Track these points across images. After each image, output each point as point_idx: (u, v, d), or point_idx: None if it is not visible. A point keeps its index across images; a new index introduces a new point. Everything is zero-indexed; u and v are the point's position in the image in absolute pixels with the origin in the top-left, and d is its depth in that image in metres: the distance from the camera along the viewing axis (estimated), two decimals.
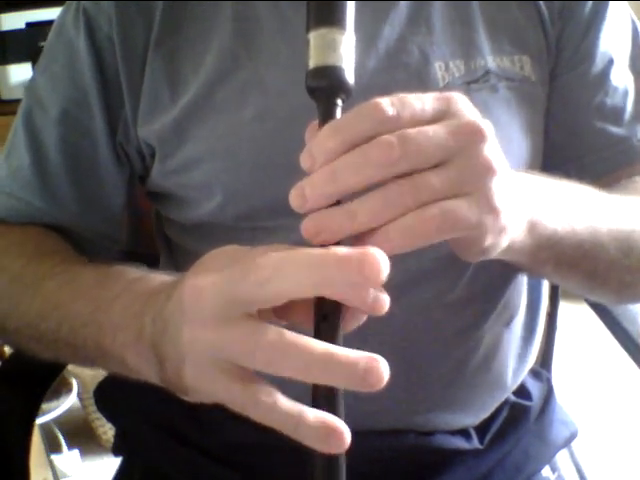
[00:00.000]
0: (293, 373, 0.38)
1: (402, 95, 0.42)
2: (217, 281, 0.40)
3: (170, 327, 0.43)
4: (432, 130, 0.41)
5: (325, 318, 0.40)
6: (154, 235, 0.81)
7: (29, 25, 1.57)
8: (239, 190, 0.64)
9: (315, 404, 0.39)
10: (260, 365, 0.39)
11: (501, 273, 0.71)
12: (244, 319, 0.39)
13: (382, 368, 0.38)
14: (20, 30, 1.57)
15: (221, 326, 0.40)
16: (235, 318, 0.39)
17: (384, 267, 0.38)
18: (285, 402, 0.39)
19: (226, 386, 0.40)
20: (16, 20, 1.57)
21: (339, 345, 0.39)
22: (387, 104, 0.41)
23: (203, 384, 0.42)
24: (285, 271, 0.38)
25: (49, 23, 0.71)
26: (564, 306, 1.01)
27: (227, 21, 0.64)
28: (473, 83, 0.65)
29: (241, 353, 0.39)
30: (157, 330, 0.45)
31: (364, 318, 0.41)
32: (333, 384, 0.38)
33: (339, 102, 0.44)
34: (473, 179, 0.42)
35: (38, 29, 1.53)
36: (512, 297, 0.73)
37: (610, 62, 0.70)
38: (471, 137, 0.42)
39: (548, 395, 0.82)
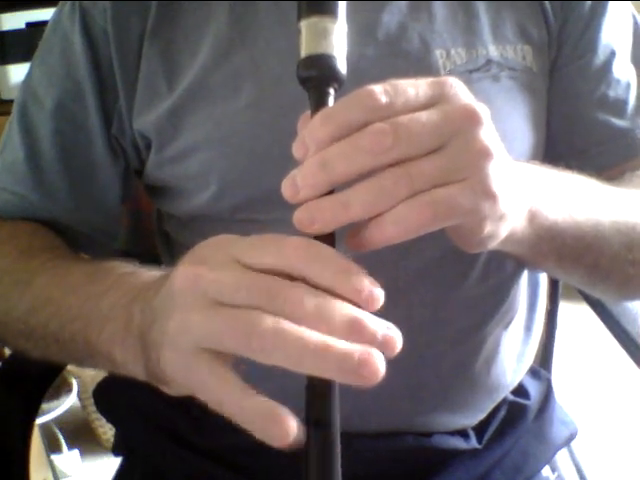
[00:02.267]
0: (285, 362, 0.37)
1: (395, 82, 0.41)
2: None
3: (159, 315, 0.43)
4: (425, 116, 0.40)
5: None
6: (154, 235, 0.81)
7: (29, 25, 1.57)
8: (234, 179, 0.64)
9: (309, 399, 0.38)
10: (254, 352, 0.38)
11: (511, 275, 0.71)
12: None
13: (377, 362, 0.36)
14: (20, 30, 1.57)
15: (213, 311, 0.39)
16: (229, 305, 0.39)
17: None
18: (236, 383, 0.38)
19: (196, 375, 0.40)
20: (16, 20, 1.57)
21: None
22: (379, 91, 0.40)
23: (178, 371, 0.41)
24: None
25: None
26: (564, 306, 1.01)
27: (224, 9, 0.64)
28: (475, 72, 0.64)
29: (235, 340, 0.38)
30: (145, 320, 0.45)
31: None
32: (326, 376, 0.37)
33: (331, 91, 0.44)
34: (468, 164, 0.41)
35: (38, 29, 1.51)
36: (515, 298, 0.73)
37: (612, 54, 0.69)
38: (466, 121, 0.41)
39: (547, 394, 0.82)
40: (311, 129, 0.41)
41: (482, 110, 0.42)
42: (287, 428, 0.37)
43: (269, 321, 0.37)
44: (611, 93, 0.69)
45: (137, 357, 0.46)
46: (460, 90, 0.42)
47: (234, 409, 0.38)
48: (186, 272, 0.41)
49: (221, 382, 0.39)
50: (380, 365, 0.37)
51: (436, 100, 0.41)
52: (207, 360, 0.39)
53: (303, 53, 0.44)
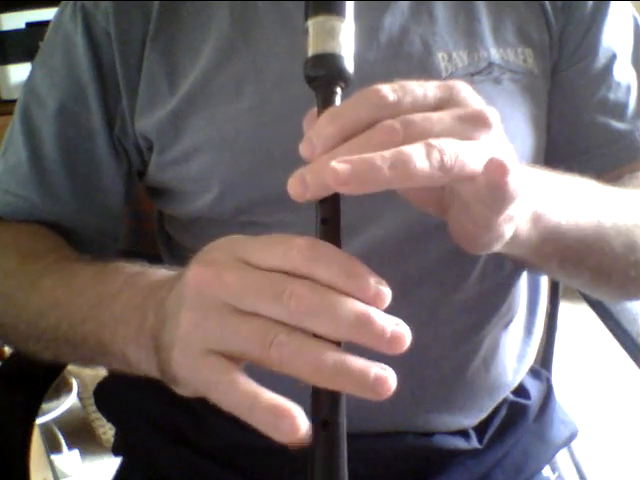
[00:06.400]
0: (303, 374, 0.37)
1: (403, 82, 0.41)
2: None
3: (170, 315, 0.43)
4: (436, 116, 0.40)
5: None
6: (155, 235, 0.81)
7: (29, 25, 1.57)
8: (236, 182, 0.63)
9: (316, 400, 0.38)
10: (272, 364, 0.38)
11: (509, 276, 0.71)
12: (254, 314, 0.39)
13: (391, 379, 0.37)
14: (20, 30, 1.57)
15: (227, 317, 0.39)
16: (243, 312, 0.39)
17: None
18: (246, 382, 0.38)
19: (207, 375, 0.40)
20: (16, 20, 1.57)
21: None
22: (388, 90, 0.40)
23: (188, 372, 0.41)
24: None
25: (49, 23, 0.70)
26: (564, 306, 1.01)
27: (226, 11, 0.64)
28: (476, 74, 0.64)
29: (253, 350, 0.38)
30: (158, 321, 0.45)
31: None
32: (341, 390, 0.38)
33: (338, 90, 0.43)
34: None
35: (38, 29, 1.53)
36: (515, 299, 0.73)
37: (613, 57, 0.70)
38: (476, 125, 0.41)
39: (547, 394, 0.82)
40: (318, 127, 0.41)
41: (492, 115, 0.42)
42: (297, 423, 0.36)
43: (286, 333, 0.37)
44: (611, 96, 0.70)
45: (150, 356, 0.46)
46: (469, 94, 0.43)
47: (244, 409, 0.38)
48: (197, 274, 0.41)
49: (231, 383, 0.38)
50: (392, 382, 0.37)
51: (445, 103, 0.41)
52: (216, 361, 0.39)
53: (311, 52, 0.44)
